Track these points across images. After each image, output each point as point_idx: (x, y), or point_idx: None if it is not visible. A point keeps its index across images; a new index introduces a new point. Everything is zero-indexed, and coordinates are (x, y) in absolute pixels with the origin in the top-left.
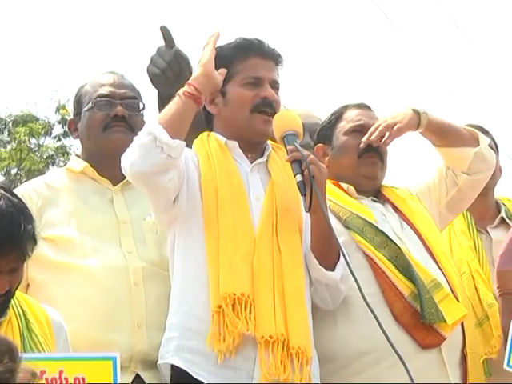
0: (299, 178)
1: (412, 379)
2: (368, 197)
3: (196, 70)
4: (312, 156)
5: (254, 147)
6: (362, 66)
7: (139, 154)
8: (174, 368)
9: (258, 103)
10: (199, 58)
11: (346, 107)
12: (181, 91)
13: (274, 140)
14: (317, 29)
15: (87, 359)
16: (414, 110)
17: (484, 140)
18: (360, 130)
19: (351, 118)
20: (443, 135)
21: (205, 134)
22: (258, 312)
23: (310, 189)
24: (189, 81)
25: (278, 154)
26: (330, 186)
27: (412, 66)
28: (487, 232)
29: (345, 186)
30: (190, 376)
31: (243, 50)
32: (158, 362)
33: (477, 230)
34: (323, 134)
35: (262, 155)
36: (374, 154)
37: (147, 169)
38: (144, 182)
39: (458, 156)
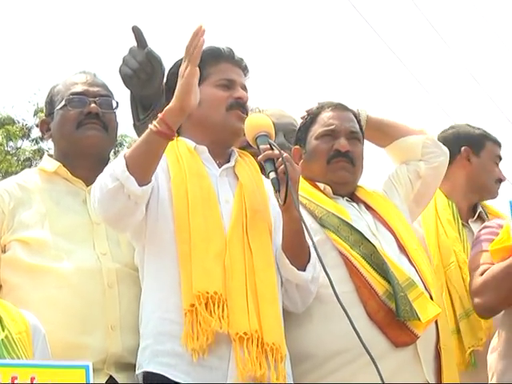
0: (273, 175)
1: (382, 379)
2: (343, 197)
3: (174, 99)
4: (286, 154)
5: (223, 151)
6: (340, 66)
7: (107, 199)
8: (150, 375)
9: (232, 103)
10: (180, 72)
11: (321, 108)
12: (153, 126)
13: (242, 148)
14: (296, 29)
15: (60, 367)
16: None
17: (431, 131)
18: (330, 134)
19: (323, 122)
20: (386, 130)
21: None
22: (231, 310)
23: (284, 185)
24: (162, 113)
25: (244, 159)
26: (306, 185)
27: (391, 67)
28: (468, 225)
29: (321, 185)
30: (168, 379)
31: (214, 55)
32: (136, 373)
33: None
34: (299, 136)
35: (229, 161)
36: (343, 158)
37: (114, 215)
38: (112, 224)
39: (408, 145)
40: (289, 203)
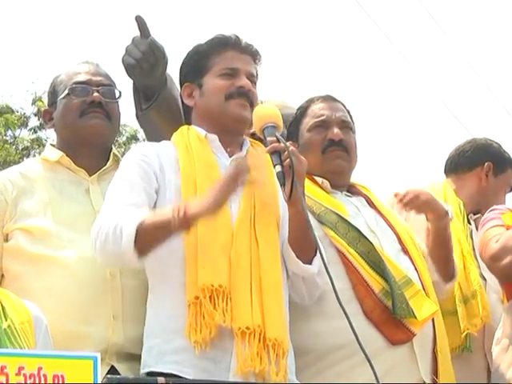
0: (278, 168)
1: (377, 379)
2: (342, 191)
3: (202, 204)
4: (292, 147)
5: (233, 139)
6: (338, 56)
7: (105, 257)
8: (157, 374)
9: (233, 92)
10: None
11: (310, 101)
12: (173, 220)
13: (252, 136)
14: (299, 23)
15: (67, 357)
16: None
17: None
18: (322, 124)
19: (314, 114)
20: (439, 246)
21: (185, 127)
22: (234, 304)
23: (290, 178)
24: (186, 212)
25: (257, 149)
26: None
27: (389, 57)
28: (471, 224)
29: (319, 180)
30: (176, 376)
31: (220, 43)
32: (141, 371)
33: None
34: (291, 131)
35: (241, 150)
36: (337, 147)
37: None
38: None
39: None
40: (294, 197)
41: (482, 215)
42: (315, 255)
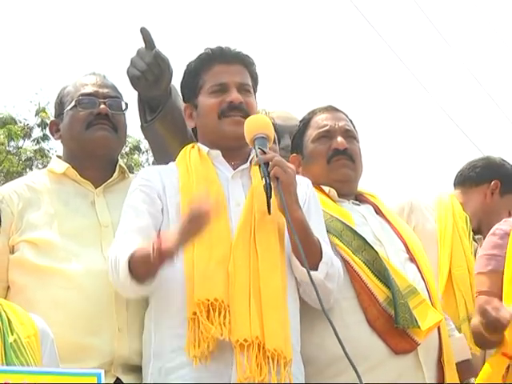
0: (264, 180)
1: None
2: (349, 200)
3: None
4: (278, 157)
5: (234, 153)
6: (340, 65)
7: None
8: None
9: (224, 108)
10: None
11: (313, 112)
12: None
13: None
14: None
15: (72, 374)
16: None
17: None
18: (326, 135)
19: (317, 125)
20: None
21: (189, 146)
22: (232, 316)
23: (275, 191)
24: (159, 249)
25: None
26: None
27: (391, 66)
28: (475, 242)
29: (326, 189)
30: None
31: (207, 59)
32: None
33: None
34: (295, 143)
35: (247, 161)
36: (343, 156)
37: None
38: None
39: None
40: (280, 209)
41: (483, 232)
42: (321, 260)
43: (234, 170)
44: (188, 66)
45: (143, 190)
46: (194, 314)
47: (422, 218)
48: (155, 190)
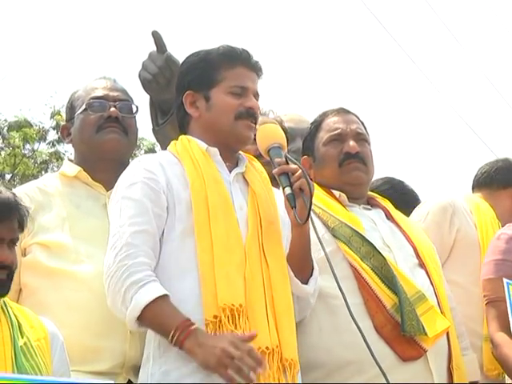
0: (288, 190)
1: None
2: (360, 204)
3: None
4: (302, 170)
5: (232, 155)
6: (352, 66)
7: (116, 308)
8: None
9: (242, 112)
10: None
11: (324, 115)
12: (176, 337)
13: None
14: (310, 32)
15: None
16: None
17: None
18: (338, 138)
19: (329, 127)
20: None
21: (184, 138)
22: (252, 324)
23: (300, 200)
24: (189, 344)
25: (254, 166)
26: (320, 193)
27: (402, 67)
28: None
29: (337, 193)
30: None
31: (231, 58)
32: None
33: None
34: (306, 145)
35: (237, 164)
36: (354, 159)
37: None
38: None
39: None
40: (298, 221)
41: None
42: (311, 276)
43: (229, 171)
44: (205, 54)
45: (147, 183)
46: (215, 317)
47: (465, 222)
48: (160, 185)
